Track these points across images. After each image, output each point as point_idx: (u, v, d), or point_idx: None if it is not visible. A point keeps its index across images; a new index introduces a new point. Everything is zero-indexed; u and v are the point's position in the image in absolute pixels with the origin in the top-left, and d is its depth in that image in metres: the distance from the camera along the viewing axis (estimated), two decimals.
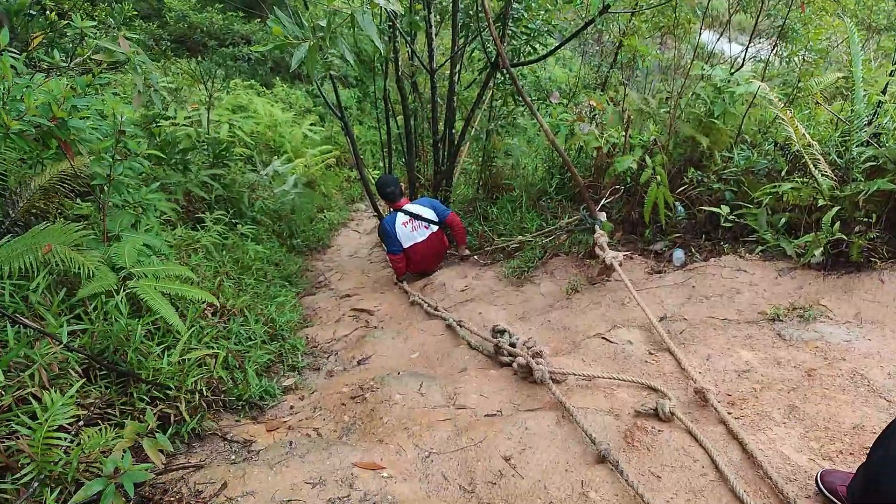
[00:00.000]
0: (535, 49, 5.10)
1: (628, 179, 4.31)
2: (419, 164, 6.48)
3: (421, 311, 4.25)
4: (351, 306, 4.63)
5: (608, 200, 4.28)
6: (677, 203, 4.16)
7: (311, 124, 9.80)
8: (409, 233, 4.98)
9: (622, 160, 3.97)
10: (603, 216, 4.11)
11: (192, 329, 2.85)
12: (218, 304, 3.30)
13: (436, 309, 4.10)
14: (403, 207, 4.99)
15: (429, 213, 5.05)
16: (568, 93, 5.74)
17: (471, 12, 5.09)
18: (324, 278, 5.71)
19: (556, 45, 4.65)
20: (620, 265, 3.59)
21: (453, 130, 5.46)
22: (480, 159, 5.95)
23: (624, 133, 4.20)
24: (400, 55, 5.62)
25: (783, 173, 3.69)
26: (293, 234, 6.39)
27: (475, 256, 5.24)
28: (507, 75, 4.90)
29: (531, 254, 4.54)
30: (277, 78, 12.00)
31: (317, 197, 7.90)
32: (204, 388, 2.60)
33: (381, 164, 8.05)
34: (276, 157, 7.71)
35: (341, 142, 10.35)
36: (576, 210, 4.72)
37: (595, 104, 4.44)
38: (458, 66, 5.20)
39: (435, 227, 5.10)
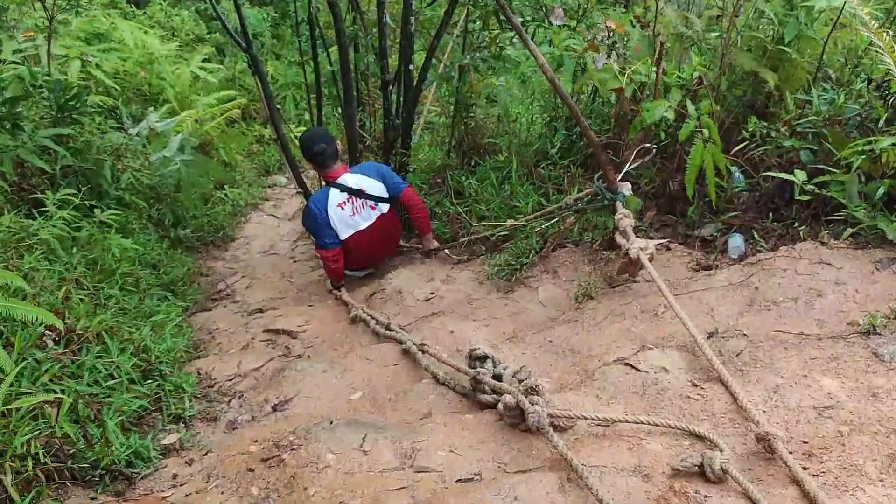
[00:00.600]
0: None
1: (663, 135, 4.33)
2: (363, 116, 6.44)
3: (366, 332, 4.24)
4: (264, 326, 4.59)
5: (634, 166, 4.30)
6: (733, 168, 4.19)
7: (205, 60, 9.68)
8: (348, 217, 4.99)
9: (653, 107, 3.98)
10: (627, 188, 4.13)
11: (23, 365, 2.79)
12: (63, 327, 3.24)
13: (388, 327, 4.09)
14: (339, 179, 4.99)
15: (376, 187, 5.06)
16: (576, 9, 5.70)
17: None
18: (225, 286, 5.66)
19: None
20: (652, 259, 3.61)
21: (410, 67, 5.42)
22: (452, 109, 5.94)
23: (655, 68, 4.21)
24: None
25: (881, 123, 3.74)
26: (179, 222, 6.33)
27: (445, 250, 5.26)
28: None
29: (526, 245, 4.55)
30: None
31: (214, 167, 7.81)
32: (41, 452, 2.55)
33: (309, 116, 7.98)
34: (152, 108, 7.60)
35: (249, 85, 10.24)
36: (588, 180, 4.73)
37: (614, 26, 4.44)
38: None
39: (385, 207, 5.10)
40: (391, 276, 5.00)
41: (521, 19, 5.43)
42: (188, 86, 8.77)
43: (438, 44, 5.28)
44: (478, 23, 5.67)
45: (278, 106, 6.86)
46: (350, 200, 4.99)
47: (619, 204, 4.03)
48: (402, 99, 5.67)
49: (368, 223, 5.04)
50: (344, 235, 4.99)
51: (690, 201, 4.25)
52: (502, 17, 5.31)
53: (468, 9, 5.60)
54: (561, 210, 4.53)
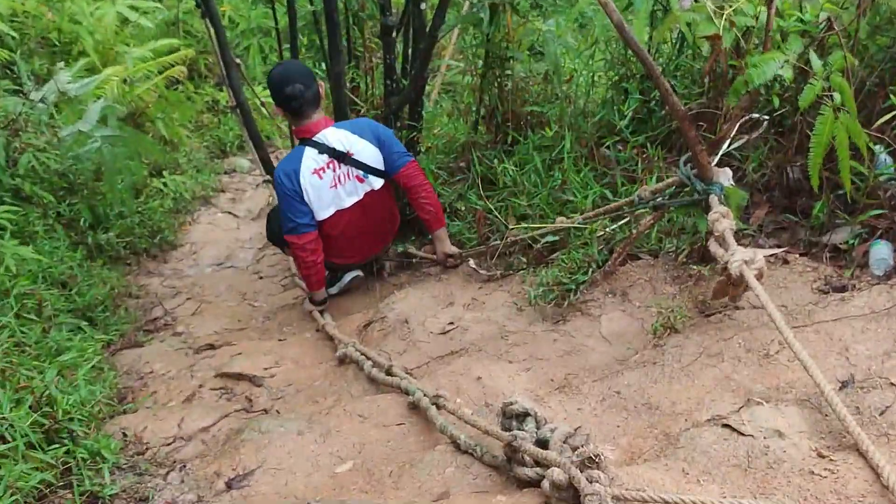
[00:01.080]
0: None
1: (776, 101, 4.28)
2: (355, 74, 6.49)
3: (359, 377, 4.25)
4: (217, 369, 4.62)
5: (737, 145, 4.28)
6: (877, 147, 4.15)
7: None
8: (328, 188, 5.04)
9: (763, 62, 3.94)
10: (726, 176, 4.10)
11: None
12: None
13: (389, 372, 4.09)
14: (318, 135, 5.04)
15: (368, 153, 5.11)
16: None
17: None
18: (163, 312, 5.70)
19: None
20: (762, 276, 3.58)
21: (423, 4, 5.44)
22: (481, 64, 5.96)
23: (766, 7, 4.20)
24: None
25: None
26: (99, 223, 6.37)
27: (470, 261, 5.25)
28: None
29: (583, 255, 4.55)
30: None
31: (148, 145, 7.82)
32: None
33: None
34: (62, 63, 7.62)
35: (198, 31, 10.29)
36: (672, 165, 4.73)
37: None
38: None
39: (377, 182, 5.16)
40: (395, 299, 5.01)
41: None
42: (113, 32, 8.80)
43: None
44: None
45: (238, 60, 6.85)
46: (331, 166, 5.03)
47: (714, 199, 3.97)
48: (410, 51, 5.67)
49: (354, 200, 5.09)
50: (323, 215, 5.05)
51: (816, 194, 4.22)
52: None
53: None
54: (633, 207, 4.48)
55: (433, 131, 6.42)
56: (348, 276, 5.48)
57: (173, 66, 8.93)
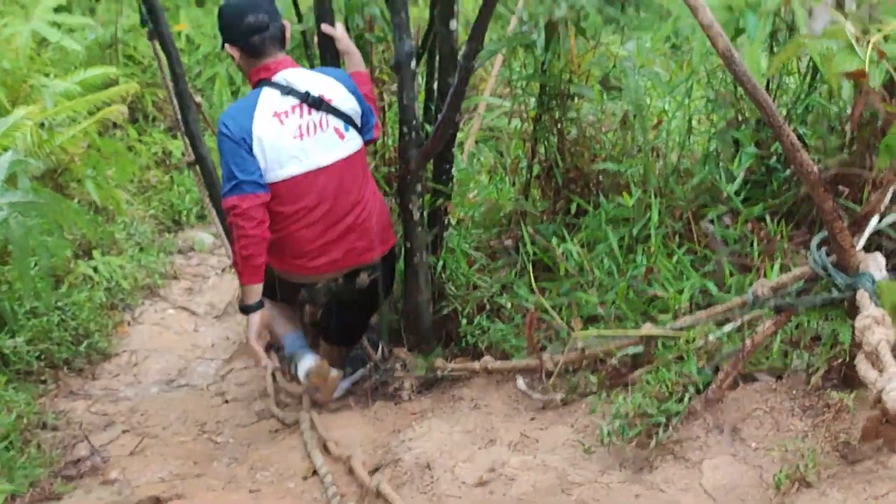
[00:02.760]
0: None
1: None
2: None
3: None
4: None
5: (890, 221, 4.26)
6: None
7: (59, 9, 9.82)
8: (291, 138, 5.07)
9: None
10: (879, 264, 4.08)
11: None
12: None
13: None
14: (279, 75, 5.12)
15: (348, 102, 5.21)
16: None
17: None
18: (90, 450, 5.67)
19: None
20: None
21: (453, 24, 5.45)
22: (534, 103, 6.03)
23: None
24: None
25: None
26: (4, 323, 6.39)
27: (518, 378, 5.25)
28: None
29: (676, 375, 4.52)
30: None
31: (73, 214, 7.83)
32: None
33: None
34: None
35: (144, 55, 10.46)
36: (800, 247, 4.71)
37: None
38: None
39: (358, 142, 5.25)
40: (413, 433, 5.00)
41: None
42: (27, 58, 8.85)
43: None
44: None
45: (199, 98, 6.89)
46: (297, 111, 5.08)
47: (863, 296, 3.96)
48: (435, 85, 5.72)
49: (332, 160, 5.12)
50: (279, 174, 5.04)
51: None
52: None
53: None
54: (747, 308, 4.50)
55: (468, 196, 6.44)
56: (303, 365, 5.44)
57: (109, 104, 8.90)
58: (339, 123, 5.11)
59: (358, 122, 5.24)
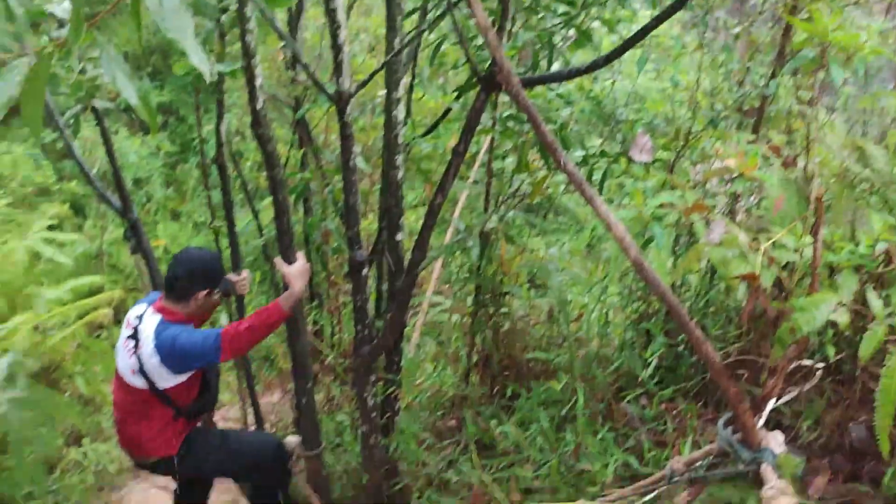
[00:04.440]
0: (582, 38, 5.64)
1: (829, 348, 4.43)
2: (318, 316, 6.84)
3: None
4: None
5: (786, 399, 4.40)
6: None
7: (53, 226, 10.02)
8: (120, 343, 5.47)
9: (811, 305, 3.98)
10: (777, 441, 4.30)
11: None
12: None
13: None
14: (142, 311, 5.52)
15: (147, 335, 5.40)
16: (673, 135, 6.10)
17: None
18: None
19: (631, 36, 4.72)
20: None
21: (399, 236, 5.69)
22: (471, 301, 6.26)
23: (812, 238, 4.25)
24: (258, 65, 5.63)
25: None
26: None
27: None
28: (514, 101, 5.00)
29: None
30: None
31: (64, 407, 7.93)
32: None
33: (227, 317, 8.20)
34: None
35: (126, 265, 10.60)
36: (708, 423, 4.95)
37: (736, 165, 4.64)
38: (403, 82, 5.59)
39: (142, 382, 5.44)
40: None
41: (583, 153, 5.68)
42: (23, 270, 9.04)
43: (445, 197, 5.36)
44: (508, 159, 5.98)
45: None
46: (128, 326, 5.47)
47: (766, 469, 3.90)
48: (385, 286, 5.95)
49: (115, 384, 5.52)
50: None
51: (887, 460, 4.20)
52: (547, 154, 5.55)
53: (493, 138, 5.92)
54: (665, 481, 4.50)
55: (415, 383, 6.53)
56: None
57: (96, 308, 9.05)
58: (135, 363, 5.37)
59: (154, 359, 5.27)
